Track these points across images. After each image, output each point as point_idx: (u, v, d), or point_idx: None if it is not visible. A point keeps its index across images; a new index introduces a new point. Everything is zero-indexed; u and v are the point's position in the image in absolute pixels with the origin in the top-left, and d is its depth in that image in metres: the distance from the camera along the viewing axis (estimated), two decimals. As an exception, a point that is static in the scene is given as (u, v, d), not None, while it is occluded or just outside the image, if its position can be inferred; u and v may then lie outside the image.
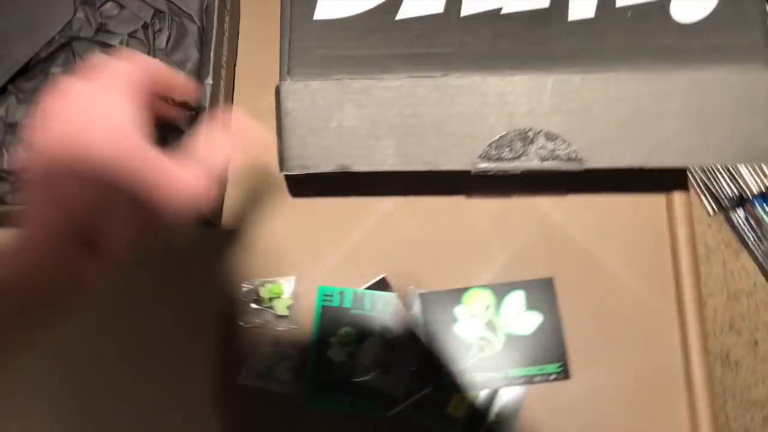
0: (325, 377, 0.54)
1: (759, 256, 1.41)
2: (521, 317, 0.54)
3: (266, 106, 0.55)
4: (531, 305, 0.54)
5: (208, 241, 0.58)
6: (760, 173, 1.26)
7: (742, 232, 1.42)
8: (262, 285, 0.56)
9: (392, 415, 0.53)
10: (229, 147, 0.41)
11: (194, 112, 0.52)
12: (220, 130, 0.42)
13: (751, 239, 1.41)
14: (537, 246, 0.56)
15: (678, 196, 0.57)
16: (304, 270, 0.57)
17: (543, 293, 0.55)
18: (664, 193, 0.57)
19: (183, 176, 0.36)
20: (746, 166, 1.28)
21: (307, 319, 0.56)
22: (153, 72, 0.38)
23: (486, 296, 0.55)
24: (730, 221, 1.44)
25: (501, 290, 0.55)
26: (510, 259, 0.56)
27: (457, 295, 0.55)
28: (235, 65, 0.61)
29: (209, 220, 0.56)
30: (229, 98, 0.60)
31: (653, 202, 0.57)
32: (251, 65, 0.62)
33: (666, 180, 0.57)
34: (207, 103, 0.53)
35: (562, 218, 0.57)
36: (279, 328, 0.56)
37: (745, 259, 1.44)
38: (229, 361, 0.55)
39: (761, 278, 1.42)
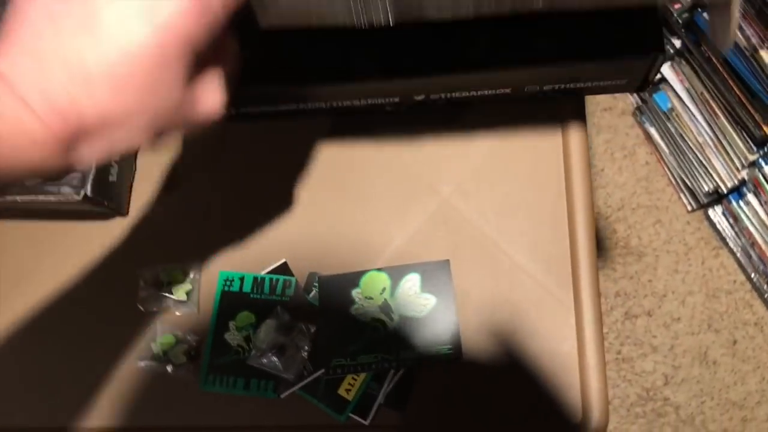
0: (220, 360, 0.54)
1: (738, 253, 1.38)
2: (416, 299, 0.54)
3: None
4: (426, 288, 0.54)
5: (113, 228, 0.58)
6: (733, 168, 1.24)
7: (720, 228, 1.39)
8: (163, 270, 0.56)
9: (285, 396, 0.53)
10: None
11: None
12: None
13: (730, 236, 1.38)
14: (436, 229, 0.56)
15: (577, 178, 0.56)
16: (209, 257, 0.57)
17: (439, 276, 0.54)
18: (564, 183, 0.56)
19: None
20: (720, 160, 1.27)
21: (208, 305, 0.56)
22: None
23: (382, 279, 0.54)
24: (708, 218, 1.42)
25: (397, 273, 0.54)
26: (408, 242, 0.56)
27: (355, 278, 0.55)
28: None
29: (109, 206, 0.56)
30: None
31: (553, 188, 0.56)
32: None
33: (569, 167, 0.56)
34: None
35: (461, 202, 0.56)
36: (178, 313, 0.56)
37: (725, 256, 1.42)
38: (128, 345, 0.55)
39: (741, 276, 1.40)
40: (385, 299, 0.54)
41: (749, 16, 0.96)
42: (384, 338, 0.53)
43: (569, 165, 0.56)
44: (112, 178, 0.56)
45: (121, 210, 0.58)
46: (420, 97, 0.49)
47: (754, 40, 0.97)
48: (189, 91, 0.31)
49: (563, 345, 0.53)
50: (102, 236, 0.58)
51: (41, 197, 0.52)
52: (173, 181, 0.60)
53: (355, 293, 0.54)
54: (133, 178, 0.60)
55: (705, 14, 1.07)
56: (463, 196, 0.56)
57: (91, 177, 0.53)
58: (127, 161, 0.59)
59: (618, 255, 1.43)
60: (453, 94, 0.49)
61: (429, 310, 0.53)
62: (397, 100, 0.49)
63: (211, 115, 0.33)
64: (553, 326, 0.53)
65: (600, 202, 1.46)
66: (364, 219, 0.57)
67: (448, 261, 0.54)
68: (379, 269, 0.55)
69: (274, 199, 0.58)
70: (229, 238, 0.57)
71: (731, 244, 1.39)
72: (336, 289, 0.54)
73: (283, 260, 0.56)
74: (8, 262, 0.59)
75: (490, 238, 0.55)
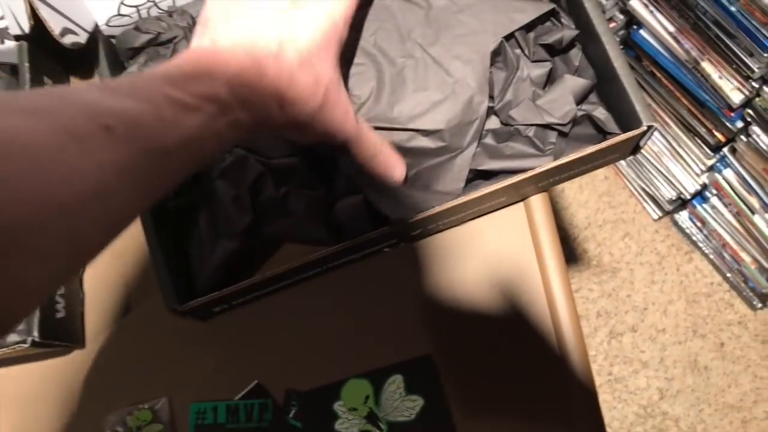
0: (203, 504, 0.50)
1: (711, 255, 1.38)
2: (402, 403, 0.50)
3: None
4: (411, 388, 0.50)
5: (69, 364, 0.54)
6: (693, 174, 1.24)
7: (689, 233, 1.39)
8: (130, 414, 0.52)
9: None
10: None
11: None
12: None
13: (700, 239, 1.38)
14: (411, 320, 0.52)
15: (534, 199, 0.53)
16: (176, 387, 0.53)
17: (423, 372, 0.51)
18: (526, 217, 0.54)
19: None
20: (679, 167, 1.26)
21: (182, 441, 0.51)
22: None
23: (364, 386, 0.51)
24: (676, 224, 1.41)
25: (379, 377, 0.51)
26: (384, 340, 0.52)
27: (335, 389, 0.51)
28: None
29: (64, 344, 0.52)
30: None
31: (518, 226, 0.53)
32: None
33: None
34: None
35: (421, 250, 0.53)
36: (150, 457, 0.51)
37: (698, 259, 1.41)
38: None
39: (717, 277, 1.40)
40: (371, 408, 0.50)
41: (685, 30, 0.96)
42: (376, 452, 0.49)
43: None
44: (60, 314, 0.52)
45: (77, 343, 0.54)
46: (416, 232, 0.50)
47: (694, 53, 0.97)
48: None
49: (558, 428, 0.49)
50: (63, 375, 0.54)
51: (-12, 352, 0.48)
52: (125, 306, 0.56)
53: (338, 407, 0.50)
54: (83, 306, 0.55)
55: (642, 31, 1.07)
56: (422, 243, 0.53)
57: (36, 320, 0.48)
58: (74, 292, 0.54)
59: (593, 274, 1.42)
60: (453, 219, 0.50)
61: (417, 412, 0.50)
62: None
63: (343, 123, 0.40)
64: (546, 401, 0.50)
65: (566, 224, 1.45)
66: (336, 321, 0.53)
67: (430, 356, 0.51)
68: (359, 375, 0.51)
69: (236, 321, 0.54)
70: (195, 363, 0.53)
71: (703, 247, 1.38)
72: (317, 405, 0.51)
73: (255, 382, 0.52)
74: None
75: (459, 275, 0.52)
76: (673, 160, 1.26)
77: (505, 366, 0.51)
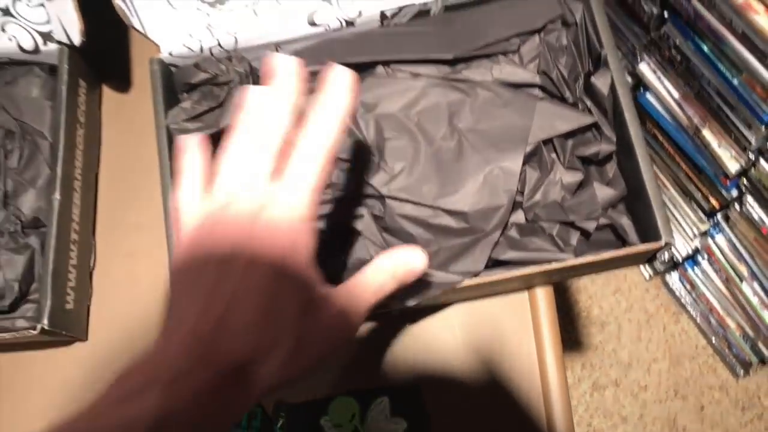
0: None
1: (697, 318, 1.40)
2: (386, 425, 0.52)
3: (132, 221, 0.54)
4: (397, 411, 0.52)
5: (70, 355, 0.56)
6: (687, 237, 1.27)
7: (679, 295, 1.41)
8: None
9: None
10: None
11: None
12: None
13: (688, 302, 1.40)
14: (402, 350, 0.55)
15: (539, 290, 0.56)
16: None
17: (410, 398, 0.53)
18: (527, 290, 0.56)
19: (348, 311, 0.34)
20: (674, 230, 1.29)
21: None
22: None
23: (352, 404, 0.53)
24: (666, 285, 1.44)
25: (367, 397, 0.53)
26: (375, 364, 0.54)
27: (323, 405, 0.53)
28: (97, 175, 0.61)
29: (69, 335, 0.54)
30: (91, 210, 0.59)
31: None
32: (114, 176, 0.61)
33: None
34: (55, 219, 0.52)
35: (425, 322, 0.55)
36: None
37: (685, 321, 1.44)
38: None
39: (702, 340, 1.42)
40: (356, 426, 0.52)
41: (689, 98, 1.00)
42: (356, 469, 0.51)
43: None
44: (69, 306, 0.54)
45: (81, 336, 0.56)
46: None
47: (696, 120, 1.00)
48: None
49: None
50: (63, 366, 0.56)
51: (-4, 334, 0.50)
52: (132, 302, 0.58)
53: (324, 421, 0.52)
54: (90, 301, 0.58)
55: (648, 94, 1.11)
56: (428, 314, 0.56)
57: (47, 308, 0.50)
58: (83, 286, 0.56)
59: (581, 326, 1.44)
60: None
61: (401, 435, 0.52)
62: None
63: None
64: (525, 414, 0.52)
65: (560, 273, 1.47)
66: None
67: (419, 386, 0.53)
68: (347, 393, 0.53)
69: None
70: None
71: (690, 310, 1.41)
72: (304, 419, 0.53)
73: (248, 389, 0.54)
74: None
75: (457, 355, 0.54)
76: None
77: (490, 405, 0.53)
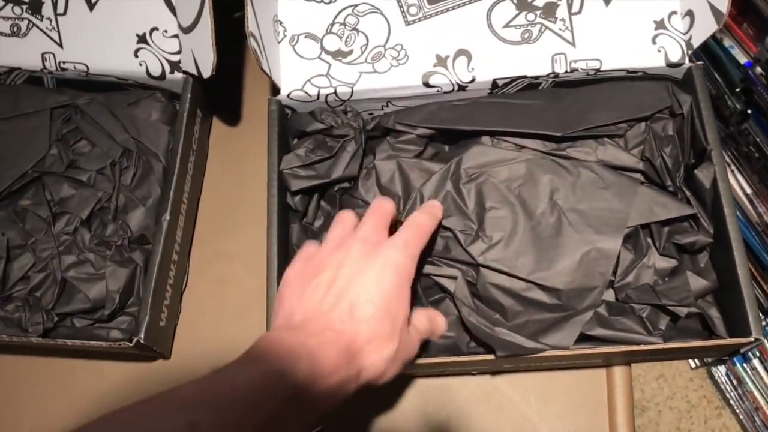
0: None
1: (741, 415, 1.37)
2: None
3: (225, 249, 0.56)
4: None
5: (151, 372, 0.58)
6: (739, 331, 1.25)
7: (724, 389, 1.39)
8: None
9: None
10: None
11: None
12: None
13: (733, 397, 1.37)
14: (475, 410, 0.55)
15: (618, 369, 0.56)
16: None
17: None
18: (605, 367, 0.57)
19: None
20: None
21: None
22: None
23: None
24: (711, 377, 1.41)
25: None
26: (448, 421, 0.55)
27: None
28: (198, 200, 0.63)
29: (157, 351, 0.56)
30: (190, 234, 0.61)
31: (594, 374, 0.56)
32: (213, 203, 0.64)
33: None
34: (162, 239, 0.54)
35: (503, 382, 0.56)
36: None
37: (727, 417, 1.40)
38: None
39: (744, 439, 1.38)
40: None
41: (762, 195, 1.01)
42: None
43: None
44: (162, 323, 0.56)
45: (166, 354, 0.58)
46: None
47: (766, 218, 1.01)
48: None
49: None
50: (142, 381, 0.57)
51: (92, 342, 0.52)
52: (216, 326, 0.60)
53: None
54: (178, 320, 0.60)
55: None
56: (505, 376, 0.56)
57: (145, 323, 0.52)
58: (174, 305, 0.58)
59: (620, 407, 1.41)
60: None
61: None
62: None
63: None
64: None
65: (603, 350, 1.46)
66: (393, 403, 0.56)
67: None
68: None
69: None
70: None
71: (734, 406, 1.38)
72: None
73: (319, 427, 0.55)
74: (38, 405, 0.57)
75: (530, 421, 0.55)
76: (723, 313, 1.27)
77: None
